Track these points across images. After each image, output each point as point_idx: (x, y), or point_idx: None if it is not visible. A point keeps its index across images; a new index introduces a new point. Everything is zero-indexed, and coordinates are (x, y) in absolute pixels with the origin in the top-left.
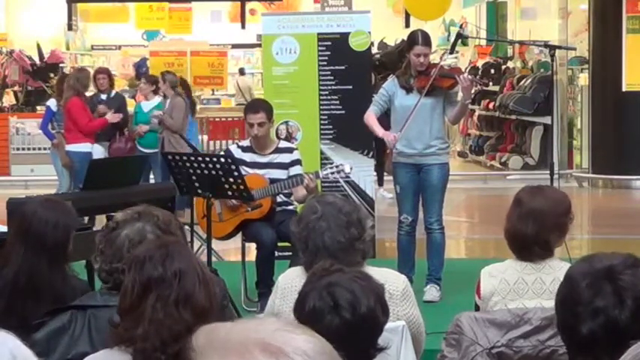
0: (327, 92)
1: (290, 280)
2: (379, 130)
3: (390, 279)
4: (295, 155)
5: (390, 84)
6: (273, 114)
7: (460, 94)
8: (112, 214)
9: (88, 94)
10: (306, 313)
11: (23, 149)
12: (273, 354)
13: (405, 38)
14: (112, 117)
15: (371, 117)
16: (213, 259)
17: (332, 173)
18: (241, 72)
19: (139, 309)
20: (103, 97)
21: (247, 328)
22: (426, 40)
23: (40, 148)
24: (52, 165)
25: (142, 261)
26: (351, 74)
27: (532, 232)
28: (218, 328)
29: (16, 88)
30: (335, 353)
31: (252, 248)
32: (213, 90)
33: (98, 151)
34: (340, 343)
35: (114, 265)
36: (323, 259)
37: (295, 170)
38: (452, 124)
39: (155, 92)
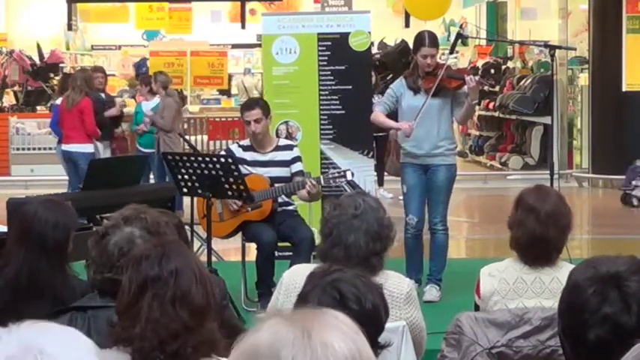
0: (327, 92)
1: (294, 277)
2: (392, 123)
3: (395, 281)
4: (295, 152)
5: (398, 84)
6: (270, 111)
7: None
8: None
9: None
10: None
11: (23, 149)
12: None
13: (405, 38)
14: (110, 111)
15: (379, 114)
16: (213, 259)
17: (334, 179)
18: (247, 72)
19: (136, 308)
20: (103, 95)
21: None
22: (433, 42)
23: (40, 148)
24: (60, 164)
25: (139, 260)
26: (351, 74)
27: (555, 235)
28: None
29: (16, 88)
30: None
31: (252, 248)
32: (219, 91)
33: (100, 150)
34: None
35: (105, 275)
36: (338, 252)
37: (296, 167)
38: (460, 124)
39: (152, 93)
